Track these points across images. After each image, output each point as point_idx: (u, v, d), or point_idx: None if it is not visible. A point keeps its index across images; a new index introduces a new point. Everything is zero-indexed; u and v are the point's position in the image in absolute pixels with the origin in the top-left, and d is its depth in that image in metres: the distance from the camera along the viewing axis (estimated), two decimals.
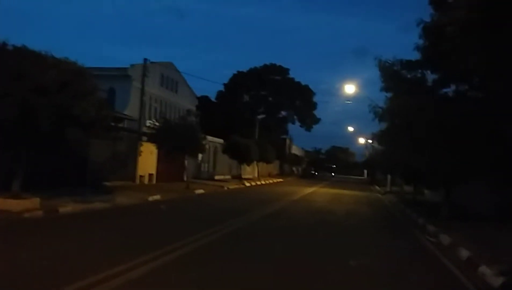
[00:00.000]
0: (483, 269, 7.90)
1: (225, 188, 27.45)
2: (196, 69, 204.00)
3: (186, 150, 22.73)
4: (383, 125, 19.25)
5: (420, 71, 16.78)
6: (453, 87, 16.60)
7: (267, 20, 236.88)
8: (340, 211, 18.61)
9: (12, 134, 11.02)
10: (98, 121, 12.57)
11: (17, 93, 10.28)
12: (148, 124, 25.11)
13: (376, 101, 17.73)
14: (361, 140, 68.67)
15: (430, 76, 16.78)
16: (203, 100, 51.16)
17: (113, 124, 17.24)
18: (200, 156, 29.40)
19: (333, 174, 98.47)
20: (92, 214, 12.30)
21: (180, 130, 21.57)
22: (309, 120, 65.70)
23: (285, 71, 63.26)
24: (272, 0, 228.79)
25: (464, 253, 9.45)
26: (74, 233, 9.40)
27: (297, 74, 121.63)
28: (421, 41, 15.65)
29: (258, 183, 37.61)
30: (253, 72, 61.88)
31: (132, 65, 30.73)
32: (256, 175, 45.28)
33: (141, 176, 23.91)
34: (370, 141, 49.29)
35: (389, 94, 17.57)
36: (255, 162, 41.03)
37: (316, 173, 76.65)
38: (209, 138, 30.99)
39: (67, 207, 12.20)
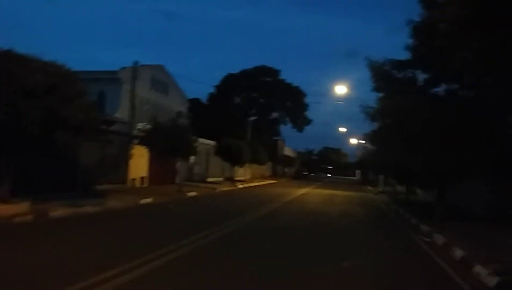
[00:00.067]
0: (478, 268, 7.86)
1: (218, 190, 27.32)
2: (187, 72, 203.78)
3: (178, 153, 22.57)
4: (375, 125, 19.29)
5: (410, 70, 16.82)
6: (444, 86, 16.65)
7: (258, 23, 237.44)
8: (333, 212, 18.56)
9: None
10: (87, 124, 12.43)
11: (4, 97, 10.12)
12: (139, 127, 24.92)
13: (367, 101, 17.78)
14: (353, 141, 68.90)
15: (421, 76, 16.83)
16: (194, 103, 51.00)
17: (103, 127, 17.08)
18: (192, 158, 29.19)
19: (329, 175, 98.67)
20: (83, 218, 12.12)
21: (171, 132, 21.41)
22: (300, 121, 65.81)
23: (276, 72, 63.31)
24: (263, 2, 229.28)
25: (459, 253, 9.41)
26: (64, 238, 9.23)
27: (288, 76, 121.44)
28: (411, 41, 15.70)
29: (251, 184, 37.51)
30: (244, 74, 61.83)
31: (122, 68, 30.52)
32: (248, 176, 45.16)
33: (132, 179, 23.71)
34: (362, 141, 49.42)
35: (380, 94, 17.61)
36: (247, 164, 40.93)
37: (308, 174, 76.71)
38: (201, 140, 30.83)
39: (58, 211, 12.01)
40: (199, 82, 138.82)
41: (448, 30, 10.43)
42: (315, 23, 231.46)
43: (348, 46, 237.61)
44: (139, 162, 24.07)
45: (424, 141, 14.35)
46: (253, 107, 61.88)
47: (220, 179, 37.96)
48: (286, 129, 67.32)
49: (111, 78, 30.62)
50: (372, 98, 18.19)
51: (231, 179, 36.72)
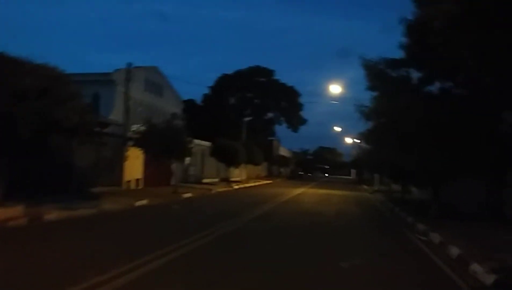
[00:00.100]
0: (475, 266, 7.85)
1: (213, 191, 27.25)
2: (181, 73, 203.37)
3: (173, 154, 22.50)
4: (370, 125, 19.29)
5: (404, 69, 16.82)
6: (438, 84, 16.66)
7: (252, 23, 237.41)
8: (329, 212, 18.55)
9: None
10: (81, 127, 12.36)
11: None
12: (133, 129, 24.82)
13: (361, 100, 17.76)
14: (348, 140, 69.03)
15: (415, 74, 16.84)
16: (189, 104, 50.98)
17: (97, 129, 16.99)
18: (187, 159, 29.13)
19: (326, 174, 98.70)
20: (78, 221, 12.04)
21: (166, 134, 21.35)
22: (295, 121, 65.86)
23: (271, 73, 63.34)
24: (256, 2, 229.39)
25: (455, 251, 9.41)
26: (59, 241, 9.16)
27: (283, 76, 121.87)
28: (405, 39, 15.69)
29: (246, 185, 37.46)
30: (239, 74, 61.81)
31: (116, 70, 30.46)
32: (244, 177, 45.12)
33: (127, 181, 23.60)
34: (357, 140, 49.51)
35: (374, 93, 17.61)
36: (242, 165, 40.91)
37: (303, 174, 76.76)
38: (196, 141, 30.76)
39: (52, 215, 11.92)
40: (194, 83, 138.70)
41: (442, 27, 10.42)
42: (309, 23, 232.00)
43: (342, 46, 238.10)
44: (134, 164, 23.98)
45: (419, 140, 14.35)
46: (248, 107, 61.88)
47: (216, 180, 37.91)
48: (281, 129, 67.60)
49: (105, 80, 30.58)
50: (367, 97, 18.18)
51: (226, 180, 36.67)
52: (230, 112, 57.38)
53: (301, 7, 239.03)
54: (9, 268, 6.66)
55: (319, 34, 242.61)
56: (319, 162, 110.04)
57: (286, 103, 64.17)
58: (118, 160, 22.75)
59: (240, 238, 10.88)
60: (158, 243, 8.85)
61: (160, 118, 26.34)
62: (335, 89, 32.94)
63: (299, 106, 65.17)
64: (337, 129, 70.47)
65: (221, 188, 29.95)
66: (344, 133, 70.23)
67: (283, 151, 78.38)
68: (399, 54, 16.41)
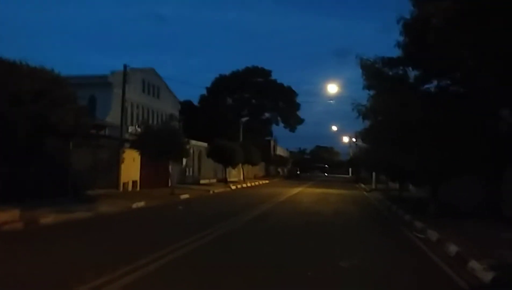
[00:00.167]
0: (473, 264, 7.83)
1: (211, 192, 27.21)
2: (178, 74, 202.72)
3: (170, 156, 22.46)
4: (367, 123, 19.25)
5: (401, 68, 16.80)
6: (434, 82, 16.64)
7: (248, 24, 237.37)
8: (327, 211, 18.52)
9: None
10: (77, 130, 12.33)
11: None
12: (130, 131, 24.79)
13: (358, 99, 17.69)
14: (345, 139, 69.15)
15: (412, 73, 16.82)
16: (186, 105, 50.93)
17: (94, 131, 16.96)
18: (184, 160, 29.12)
19: (326, 174, 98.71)
20: (74, 224, 11.98)
21: (162, 135, 21.30)
22: (292, 121, 65.89)
23: (268, 73, 63.36)
24: (253, 3, 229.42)
25: (453, 249, 9.40)
26: (55, 245, 9.10)
27: (280, 76, 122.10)
28: (402, 38, 15.65)
29: (244, 185, 37.43)
30: (236, 75, 61.83)
31: (112, 72, 30.42)
32: (241, 177, 45.12)
33: (124, 183, 23.54)
34: (354, 139, 49.54)
35: (371, 92, 17.57)
36: (240, 165, 40.88)
37: (300, 174, 76.81)
38: (193, 142, 30.74)
39: (48, 218, 11.87)
40: (191, 84, 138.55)
41: (441, 25, 10.39)
42: (306, 23, 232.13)
43: (339, 46, 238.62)
44: (131, 166, 23.92)
45: (416, 138, 14.33)
46: (245, 108, 61.89)
47: (213, 180, 37.89)
48: (279, 129, 67.43)
49: (101, 82, 30.53)
50: (364, 97, 18.08)
51: (224, 181, 36.63)
52: (227, 112, 57.34)
53: (298, 7, 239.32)
54: (5, 273, 6.60)
55: (316, 34, 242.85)
56: (316, 161, 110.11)
57: (283, 103, 64.20)
58: (115, 162, 22.68)
59: (238, 239, 10.84)
60: (155, 245, 8.81)
61: (157, 119, 26.37)
62: (332, 88, 33.03)
63: (296, 106, 65.27)
64: (334, 128, 70.65)
65: (219, 189, 29.90)
66: (341, 132, 70.40)
67: (281, 151, 78.42)
68: (396, 53, 16.38)
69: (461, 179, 16.59)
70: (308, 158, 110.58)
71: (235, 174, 44.03)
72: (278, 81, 63.72)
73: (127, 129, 26.18)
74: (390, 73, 16.84)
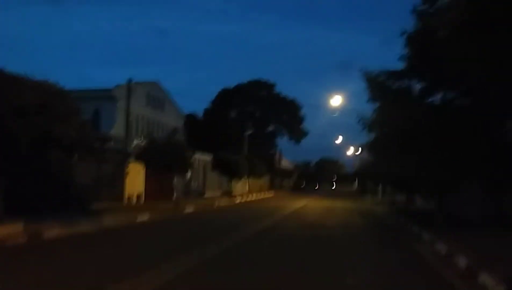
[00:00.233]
0: (484, 277, 7.65)
1: (215, 206, 27.06)
2: (182, 88, 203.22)
3: (174, 168, 22.39)
4: (372, 136, 19.15)
5: (405, 80, 16.73)
6: (439, 95, 16.55)
7: (250, 37, 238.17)
8: (333, 225, 18.32)
9: None
10: (80, 143, 12.27)
11: None
12: (134, 144, 24.76)
13: (363, 112, 17.62)
14: (350, 151, 68.86)
15: (416, 85, 16.75)
16: (190, 118, 51.00)
17: (98, 145, 16.90)
18: (188, 173, 29.02)
19: (333, 187, 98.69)
20: (78, 238, 11.88)
21: (167, 148, 21.27)
22: (297, 133, 65.74)
23: (271, 86, 63.40)
24: (256, 16, 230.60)
25: (463, 262, 9.20)
26: (58, 260, 8.99)
27: (284, 89, 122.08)
28: (405, 51, 15.61)
29: (249, 198, 37.26)
30: (239, 88, 61.88)
31: (117, 86, 30.53)
32: (246, 190, 44.95)
33: (128, 197, 23.45)
34: (359, 151, 49.35)
35: (376, 105, 17.49)
36: (245, 178, 40.74)
37: (305, 186, 76.60)
38: (198, 155, 30.69)
39: (52, 232, 11.76)
40: (195, 98, 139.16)
41: (447, 36, 10.30)
42: (309, 36, 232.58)
43: (342, 58, 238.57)
44: (135, 179, 23.85)
45: (422, 150, 14.21)
46: (249, 120, 61.82)
47: (218, 193, 37.72)
48: (283, 142, 67.29)
49: (106, 96, 30.65)
50: (368, 109, 17.98)
51: (228, 194, 36.47)
52: (232, 125, 57.31)
53: (301, 20, 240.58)
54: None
55: (319, 47, 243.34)
56: (321, 174, 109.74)
57: (288, 116, 64.13)
58: (119, 176, 22.61)
59: (241, 255, 10.65)
60: (159, 260, 8.70)
61: (161, 132, 26.35)
62: (336, 101, 32.90)
63: (301, 119, 65.19)
64: (339, 140, 70.39)
65: (223, 202, 29.75)
66: (346, 144, 70.08)
67: (286, 163, 78.19)
68: (400, 66, 16.34)
69: (469, 190, 16.41)
70: (313, 171, 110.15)
71: (240, 186, 43.87)
72: (282, 94, 63.81)
73: (132, 142, 26.14)
74: (395, 86, 16.76)
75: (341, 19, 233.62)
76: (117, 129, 27.62)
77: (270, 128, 65.50)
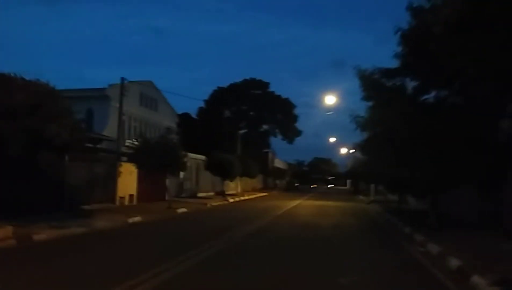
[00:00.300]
0: (476, 279, 7.65)
1: (209, 206, 26.97)
2: (176, 87, 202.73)
3: (167, 169, 22.28)
4: (365, 135, 19.14)
5: (399, 79, 16.72)
6: (433, 93, 16.57)
7: (246, 36, 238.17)
8: (326, 225, 18.30)
9: None
10: (72, 144, 12.17)
11: None
12: (127, 144, 24.61)
13: (357, 111, 17.61)
14: (343, 151, 69.02)
15: (410, 84, 16.75)
16: (184, 117, 50.90)
17: (90, 145, 16.80)
18: (181, 174, 28.91)
19: (329, 186, 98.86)
20: (68, 241, 11.76)
21: (159, 148, 21.14)
22: (290, 133, 65.84)
23: (265, 85, 63.42)
24: (250, 16, 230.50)
25: (454, 263, 9.21)
26: (48, 263, 8.90)
27: (278, 88, 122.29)
28: (399, 49, 15.60)
29: (242, 198, 37.20)
30: (233, 87, 61.85)
31: (110, 85, 30.37)
32: (239, 190, 44.88)
33: (121, 198, 23.29)
34: (352, 151, 49.42)
35: (369, 103, 17.49)
36: (238, 177, 40.67)
37: (298, 185, 76.72)
38: (191, 155, 30.56)
39: (42, 234, 11.64)
40: (189, 97, 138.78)
41: (442, 33, 10.26)
42: (303, 35, 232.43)
43: (336, 57, 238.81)
44: (128, 179, 23.70)
45: (415, 149, 14.22)
46: (243, 120, 61.82)
47: (211, 193, 37.63)
48: (277, 141, 67.32)
49: (99, 95, 30.52)
50: (362, 108, 17.97)
51: (222, 194, 36.38)
52: (225, 125, 57.25)
53: (295, 19, 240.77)
54: None
55: (313, 45, 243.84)
56: (314, 173, 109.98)
57: (281, 115, 64.21)
58: (112, 176, 22.46)
59: (234, 255, 10.59)
60: (147, 264, 8.59)
61: (155, 132, 26.24)
62: (330, 100, 32.94)
63: (294, 118, 65.29)
64: (332, 140, 70.57)
65: (217, 202, 29.66)
66: (339, 143, 70.26)
67: (279, 163, 78.25)
68: (394, 64, 16.32)
69: (461, 190, 16.44)
70: (307, 170, 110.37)
71: (233, 186, 43.80)
72: (276, 93, 63.84)
73: (124, 142, 26.00)
74: (388, 84, 16.76)
75: (335, 18, 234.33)
76: (110, 129, 27.47)
77: (264, 127, 65.57)
